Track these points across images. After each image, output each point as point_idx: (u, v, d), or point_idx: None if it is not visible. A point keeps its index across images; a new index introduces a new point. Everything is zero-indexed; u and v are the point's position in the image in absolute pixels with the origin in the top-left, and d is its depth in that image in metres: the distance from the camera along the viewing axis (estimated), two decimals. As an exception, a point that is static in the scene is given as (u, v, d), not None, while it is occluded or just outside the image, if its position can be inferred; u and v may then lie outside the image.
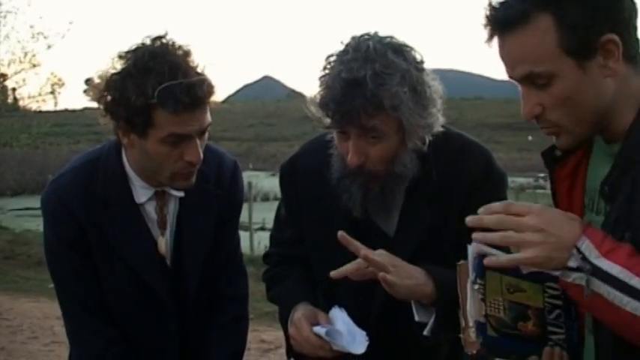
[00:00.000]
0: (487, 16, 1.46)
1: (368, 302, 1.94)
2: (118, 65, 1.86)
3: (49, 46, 15.89)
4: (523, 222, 1.38)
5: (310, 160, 2.00)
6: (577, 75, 1.41)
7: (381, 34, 1.83)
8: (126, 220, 2.01)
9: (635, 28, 1.44)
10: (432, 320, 1.83)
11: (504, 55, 1.46)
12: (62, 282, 2.07)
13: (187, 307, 2.11)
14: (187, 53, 1.87)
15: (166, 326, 2.09)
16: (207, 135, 1.95)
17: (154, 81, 1.79)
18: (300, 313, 1.91)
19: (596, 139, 1.55)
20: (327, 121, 1.80)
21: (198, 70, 1.86)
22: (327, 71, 1.79)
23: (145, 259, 2.03)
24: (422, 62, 1.82)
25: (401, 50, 1.79)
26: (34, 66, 16.10)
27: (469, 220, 1.45)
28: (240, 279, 2.25)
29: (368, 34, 1.81)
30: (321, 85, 1.79)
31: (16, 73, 16.40)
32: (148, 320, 2.08)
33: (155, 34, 1.88)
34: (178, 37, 1.89)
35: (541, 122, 1.49)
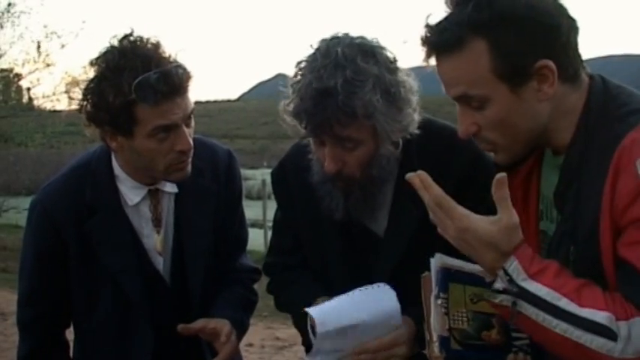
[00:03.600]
0: (423, 38, 1.46)
1: None
2: (92, 72, 1.84)
3: (62, 46, 15.96)
4: (447, 226, 1.40)
5: (297, 163, 1.96)
6: (510, 99, 1.41)
7: (352, 34, 1.77)
8: (111, 226, 1.97)
9: (575, 47, 1.43)
10: None
11: (441, 74, 1.48)
12: (23, 294, 2.07)
13: (193, 302, 2.06)
14: (157, 45, 1.85)
15: (141, 341, 2.02)
16: (193, 121, 1.92)
17: (128, 77, 1.77)
18: None
19: (546, 148, 1.55)
20: (302, 130, 1.76)
21: (171, 59, 1.84)
22: (298, 78, 1.73)
23: (125, 267, 1.98)
24: (395, 61, 1.76)
25: (372, 53, 1.73)
26: (48, 65, 16.17)
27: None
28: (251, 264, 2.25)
29: (337, 37, 1.76)
30: (293, 93, 1.73)
31: (30, 72, 16.48)
32: (123, 335, 2.02)
33: (121, 33, 1.86)
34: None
35: (478, 139, 1.50)
